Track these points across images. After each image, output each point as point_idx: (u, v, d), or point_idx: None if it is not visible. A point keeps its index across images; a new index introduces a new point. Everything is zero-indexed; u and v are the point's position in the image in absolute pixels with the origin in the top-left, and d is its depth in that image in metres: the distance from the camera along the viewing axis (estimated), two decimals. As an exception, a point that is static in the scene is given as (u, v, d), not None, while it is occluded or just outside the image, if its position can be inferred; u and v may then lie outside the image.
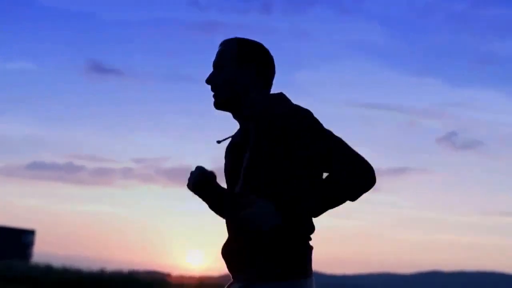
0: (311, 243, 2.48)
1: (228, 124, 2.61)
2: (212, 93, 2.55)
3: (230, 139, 2.61)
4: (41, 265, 24.93)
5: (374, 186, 2.40)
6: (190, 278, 24.50)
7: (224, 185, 2.56)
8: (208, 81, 2.55)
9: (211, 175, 2.43)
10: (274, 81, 2.61)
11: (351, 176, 2.35)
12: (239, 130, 2.60)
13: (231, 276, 2.54)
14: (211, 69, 2.59)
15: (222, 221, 2.56)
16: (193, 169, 2.46)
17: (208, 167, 2.45)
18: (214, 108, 2.57)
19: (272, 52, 2.59)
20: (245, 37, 2.58)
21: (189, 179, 2.47)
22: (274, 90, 2.60)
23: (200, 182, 2.43)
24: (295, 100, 2.51)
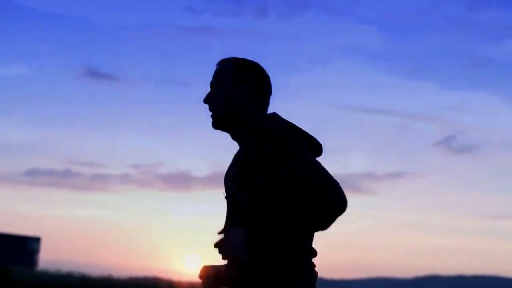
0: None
1: (224, 133, 2.65)
2: (210, 113, 2.59)
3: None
4: (47, 271, 25.71)
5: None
6: (189, 284, 25.21)
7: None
8: (205, 101, 2.58)
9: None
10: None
11: (318, 209, 2.32)
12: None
13: None
14: (207, 73, 2.62)
15: (220, 225, 2.56)
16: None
17: (207, 171, 2.73)
18: (213, 128, 2.59)
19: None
20: (242, 57, 2.61)
21: (227, 246, 2.40)
22: (273, 89, 2.64)
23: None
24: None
